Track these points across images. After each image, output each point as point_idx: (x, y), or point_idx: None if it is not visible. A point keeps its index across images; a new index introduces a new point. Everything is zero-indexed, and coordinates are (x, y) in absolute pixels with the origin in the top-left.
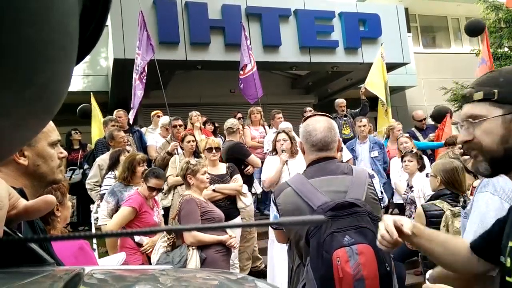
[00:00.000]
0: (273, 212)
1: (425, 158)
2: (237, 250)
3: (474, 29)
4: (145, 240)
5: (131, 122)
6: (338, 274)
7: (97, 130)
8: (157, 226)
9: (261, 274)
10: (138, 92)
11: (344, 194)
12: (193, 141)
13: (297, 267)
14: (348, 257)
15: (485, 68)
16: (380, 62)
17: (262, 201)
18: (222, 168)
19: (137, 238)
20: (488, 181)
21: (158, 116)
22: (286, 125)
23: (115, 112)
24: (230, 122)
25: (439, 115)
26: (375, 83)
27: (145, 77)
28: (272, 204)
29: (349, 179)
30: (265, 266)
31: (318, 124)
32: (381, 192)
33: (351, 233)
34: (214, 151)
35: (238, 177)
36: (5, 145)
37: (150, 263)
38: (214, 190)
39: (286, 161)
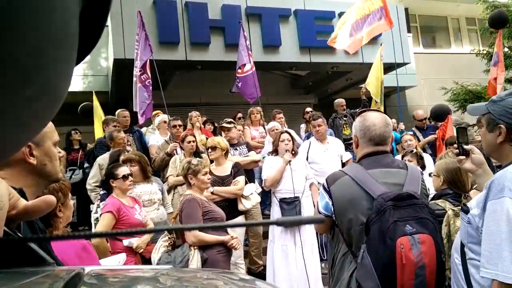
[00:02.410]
0: (324, 199)
1: (429, 158)
2: (241, 251)
3: (498, 20)
4: (134, 242)
5: (141, 123)
6: (401, 261)
7: (99, 129)
8: (142, 223)
9: (258, 276)
10: (145, 95)
11: (400, 187)
12: (193, 141)
13: (343, 256)
14: (411, 245)
15: (495, 70)
16: (379, 62)
17: (262, 201)
18: (227, 168)
19: (125, 243)
20: (502, 185)
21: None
22: (273, 124)
23: (120, 112)
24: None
25: (439, 114)
26: (373, 83)
27: (148, 80)
28: (323, 191)
29: (404, 173)
30: (264, 269)
31: (377, 120)
32: (428, 189)
33: (412, 223)
34: (210, 150)
35: (240, 179)
36: (6, 144)
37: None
38: (212, 193)
39: (290, 161)
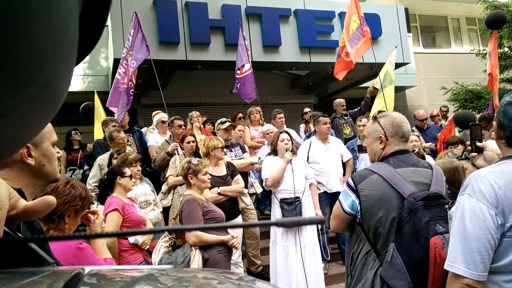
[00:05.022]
0: (349, 198)
1: (430, 159)
2: (240, 251)
3: (494, 21)
4: (139, 239)
5: (119, 120)
6: (435, 259)
7: (99, 129)
8: (145, 220)
9: (258, 276)
10: (125, 100)
11: (427, 186)
12: (193, 141)
13: (365, 254)
14: (443, 244)
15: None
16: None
17: (262, 201)
18: (223, 168)
19: (131, 240)
20: (468, 183)
21: None
22: (268, 127)
23: None
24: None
25: (462, 122)
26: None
27: (132, 89)
28: (348, 190)
29: (430, 173)
30: (262, 269)
31: (403, 118)
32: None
33: (441, 223)
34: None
35: (239, 177)
36: (6, 144)
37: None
38: (219, 193)
39: (290, 159)
